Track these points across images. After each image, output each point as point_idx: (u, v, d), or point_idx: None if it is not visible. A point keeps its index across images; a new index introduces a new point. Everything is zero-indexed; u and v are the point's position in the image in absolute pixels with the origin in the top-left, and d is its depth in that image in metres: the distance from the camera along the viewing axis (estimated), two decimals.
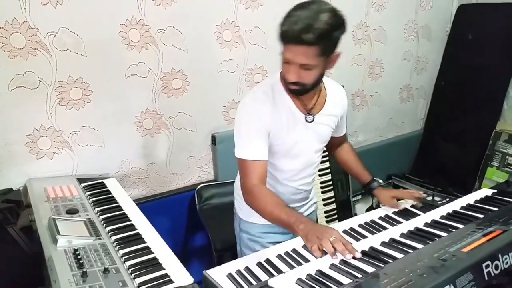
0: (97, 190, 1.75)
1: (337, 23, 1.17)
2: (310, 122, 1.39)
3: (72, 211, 1.50)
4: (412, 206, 1.50)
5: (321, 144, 1.48)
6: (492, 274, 0.98)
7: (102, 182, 1.84)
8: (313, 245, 1.10)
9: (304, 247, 1.23)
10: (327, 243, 1.09)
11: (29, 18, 1.67)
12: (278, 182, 1.47)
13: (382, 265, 1.04)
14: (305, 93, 1.31)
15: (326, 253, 1.11)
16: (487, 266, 0.97)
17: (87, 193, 1.70)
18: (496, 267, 0.99)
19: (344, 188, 2.63)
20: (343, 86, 1.53)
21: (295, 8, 1.19)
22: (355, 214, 2.65)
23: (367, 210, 1.54)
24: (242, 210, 1.53)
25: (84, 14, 1.77)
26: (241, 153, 1.32)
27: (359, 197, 2.82)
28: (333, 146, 1.66)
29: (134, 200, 1.72)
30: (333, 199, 2.58)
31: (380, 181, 1.60)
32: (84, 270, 1.13)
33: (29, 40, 1.68)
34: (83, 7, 1.77)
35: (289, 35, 1.15)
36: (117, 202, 1.64)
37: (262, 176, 1.32)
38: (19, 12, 1.64)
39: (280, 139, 1.37)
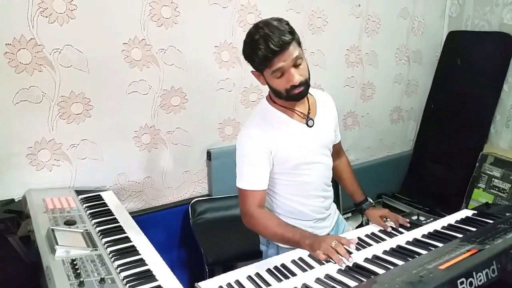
0: (94, 202, 1.78)
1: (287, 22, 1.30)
2: (311, 126, 1.44)
3: (70, 222, 1.53)
4: (392, 228, 1.52)
5: (326, 148, 1.51)
6: None
7: (99, 195, 1.87)
8: (319, 254, 1.26)
9: (293, 262, 1.28)
10: (331, 253, 1.24)
11: (36, 36, 1.72)
12: (304, 196, 1.49)
13: (364, 280, 1.10)
14: (307, 92, 1.36)
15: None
16: (461, 283, 1.03)
17: (85, 205, 1.74)
18: (470, 283, 1.04)
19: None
20: None
21: (251, 35, 1.27)
22: None
23: (356, 228, 1.59)
24: None
25: (89, 32, 1.84)
26: (242, 184, 1.40)
27: (349, 214, 2.85)
28: (331, 155, 1.68)
29: (130, 213, 1.76)
30: None
31: (372, 201, 1.65)
32: (81, 279, 1.16)
33: (35, 56, 1.74)
34: (89, 26, 1.83)
35: (273, 49, 1.22)
36: (113, 215, 1.68)
37: (262, 202, 1.41)
38: (27, 29, 1.70)
39: (286, 152, 1.40)
